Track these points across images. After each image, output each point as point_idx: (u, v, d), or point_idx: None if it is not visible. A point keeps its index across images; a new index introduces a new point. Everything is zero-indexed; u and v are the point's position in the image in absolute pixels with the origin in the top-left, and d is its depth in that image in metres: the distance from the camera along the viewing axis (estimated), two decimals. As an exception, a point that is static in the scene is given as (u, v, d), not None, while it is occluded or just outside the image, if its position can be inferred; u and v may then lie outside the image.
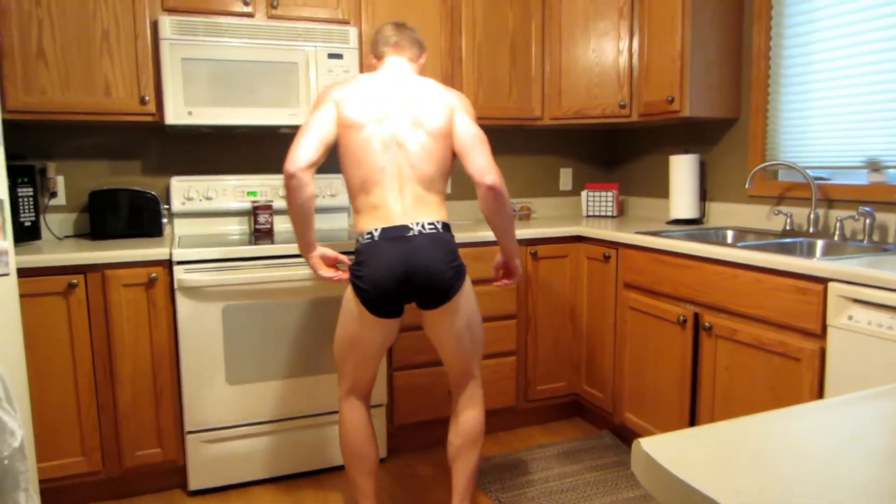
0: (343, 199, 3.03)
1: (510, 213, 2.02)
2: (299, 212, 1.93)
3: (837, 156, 2.50)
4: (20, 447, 1.45)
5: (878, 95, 2.34)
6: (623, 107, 3.01)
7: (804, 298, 1.91)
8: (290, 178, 1.88)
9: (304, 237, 1.99)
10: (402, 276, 1.90)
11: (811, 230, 2.50)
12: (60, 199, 2.73)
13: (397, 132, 1.94)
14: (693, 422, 2.38)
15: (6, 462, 1.43)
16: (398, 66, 2.05)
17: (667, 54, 2.79)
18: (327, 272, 2.04)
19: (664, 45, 2.80)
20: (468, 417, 2.09)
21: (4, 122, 2.43)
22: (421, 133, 1.95)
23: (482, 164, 1.93)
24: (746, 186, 2.70)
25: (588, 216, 3.46)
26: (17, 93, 2.34)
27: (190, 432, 2.39)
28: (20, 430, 1.44)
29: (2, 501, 1.44)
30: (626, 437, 2.86)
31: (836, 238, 2.39)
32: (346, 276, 2.04)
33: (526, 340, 2.92)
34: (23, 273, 2.17)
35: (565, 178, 3.64)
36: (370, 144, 1.93)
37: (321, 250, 2.05)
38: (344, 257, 2.09)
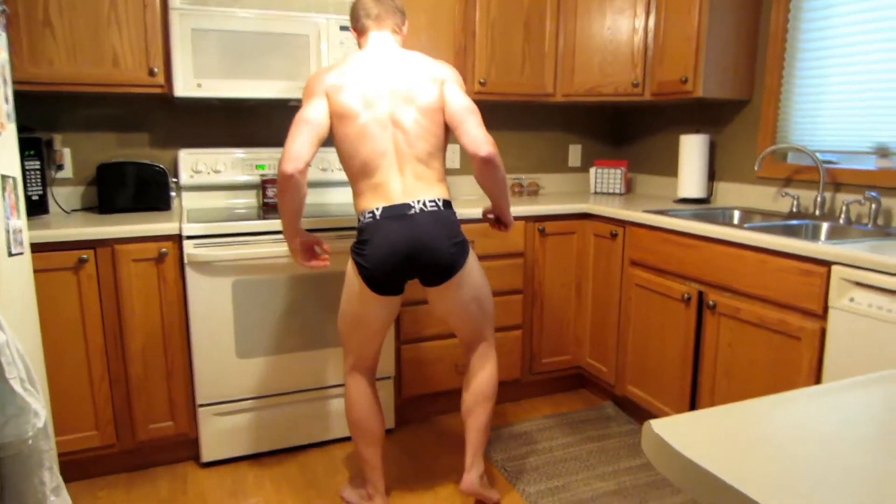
0: (333, 174, 3.02)
1: (504, 178, 2.02)
2: (292, 208, 1.93)
3: (847, 140, 2.50)
4: (44, 427, 1.48)
5: (889, 83, 2.33)
6: (636, 85, 2.99)
7: (807, 280, 1.93)
8: (289, 178, 1.85)
9: (292, 226, 2.00)
10: (404, 255, 1.92)
11: (817, 213, 2.51)
12: (67, 172, 2.73)
13: (392, 112, 1.94)
14: (694, 396, 2.42)
15: (30, 442, 1.46)
16: (383, 42, 2.04)
17: (683, 34, 2.77)
18: (306, 262, 2.06)
19: (680, 24, 2.77)
20: (480, 376, 2.15)
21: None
22: (413, 110, 1.95)
23: (476, 136, 1.91)
24: (755, 168, 2.70)
25: (596, 193, 3.47)
26: (23, 64, 2.32)
27: (201, 405, 2.43)
28: (43, 410, 1.47)
29: (27, 480, 1.47)
30: (628, 408, 2.91)
31: (841, 221, 2.41)
32: (324, 263, 2.07)
33: (532, 315, 2.95)
34: (32, 249, 2.17)
35: (574, 154, 3.64)
36: (367, 129, 1.93)
37: (302, 236, 2.05)
38: (324, 243, 2.10)
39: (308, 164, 1.88)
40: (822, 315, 1.91)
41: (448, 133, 2.05)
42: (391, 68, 1.97)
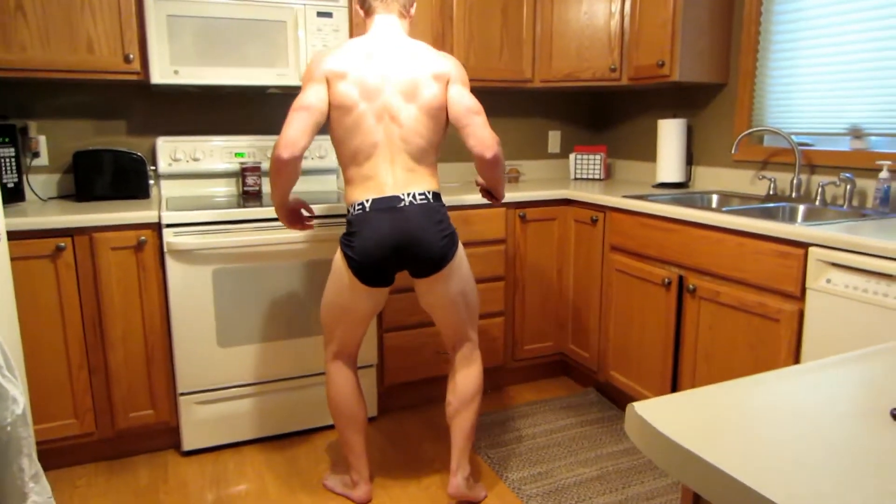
0: (330, 161, 3.02)
1: (504, 168, 2.05)
2: (285, 189, 1.95)
3: (821, 122, 2.53)
4: (22, 414, 1.47)
5: (861, 64, 2.36)
6: (613, 70, 3.01)
7: (785, 262, 1.96)
8: (284, 165, 1.84)
9: (282, 199, 2.00)
10: (393, 247, 1.91)
11: (794, 195, 2.55)
12: (43, 160, 2.69)
13: (389, 105, 1.92)
14: (675, 379, 2.45)
15: (9, 429, 1.44)
16: (388, 28, 1.99)
17: (658, 18, 2.78)
18: (292, 226, 2.10)
19: (656, 8, 2.79)
20: (465, 378, 2.13)
21: (-16, 80, 2.38)
22: (413, 107, 1.93)
23: (483, 138, 1.92)
24: (732, 151, 2.73)
25: (576, 179, 3.48)
26: (-4, 50, 2.28)
27: (182, 394, 2.42)
28: (22, 396, 1.45)
29: (6, 467, 1.46)
30: (611, 394, 2.94)
31: (817, 203, 2.44)
32: (309, 226, 2.12)
33: (514, 301, 2.96)
34: (9, 237, 2.14)
35: (554, 140, 3.65)
36: (363, 120, 1.91)
37: (288, 204, 2.06)
38: (309, 206, 2.14)
39: (304, 150, 1.86)
40: (801, 297, 1.94)
41: (445, 130, 2.03)
42: (394, 60, 1.93)
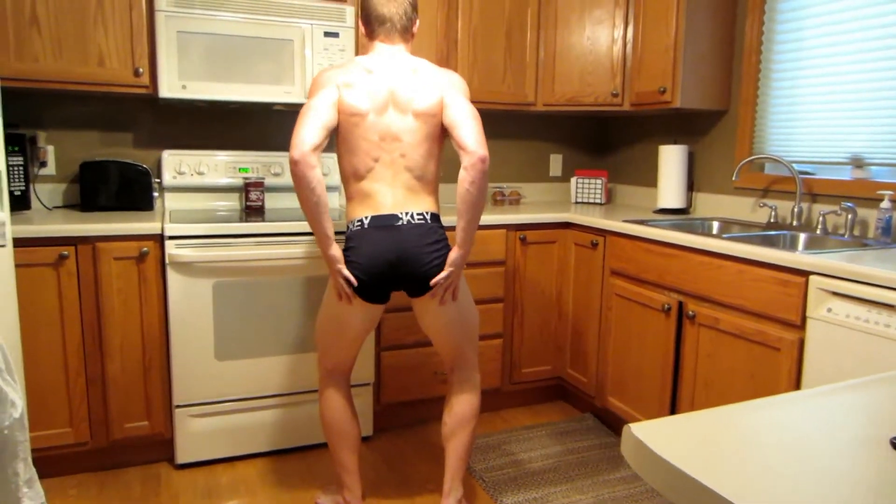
0: (334, 178, 3.03)
1: (485, 198, 1.93)
2: (311, 197, 1.81)
3: (822, 151, 2.55)
4: (20, 417, 1.47)
5: (863, 94, 2.39)
6: (615, 95, 3.03)
7: (786, 290, 1.96)
8: (295, 164, 1.78)
9: (321, 227, 1.87)
10: (389, 264, 1.92)
11: (795, 223, 2.56)
12: (50, 169, 2.71)
13: (393, 125, 1.93)
14: (674, 407, 2.44)
15: (6, 432, 1.44)
16: (392, 50, 2.01)
17: (660, 45, 2.81)
18: (337, 284, 1.96)
19: (658, 35, 2.82)
20: (461, 400, 2.12)
21: (-6, 89, 2.41)
22: (417, 126, 1.94)
23: (477, 136, 1.85)
24: (733, 178, 2.74)
25: (577, 203, 3.50)
26: (9, 60, 2.31)
27: (178, 406, 2.41)
28: (20, 400, 1.45)
29: (2, 470, 1.46)
30: (609, 420, 2.92)
31: (818, 232, 2.45)
32: (349, 295, 1.96)
33: (512, 324, 2.96)
34: (14, 243, 2.15)
35: (555, 164, 3.67)
36: (367, 135, 1.92)
37: (339, 256, 1.92)
38: (352, 279, 1.93)
39: (317, 149, 1.79)
40: (801, 325, 1.94)
41: (443, 147, 2.04)
42: (396, 79, 1.94)
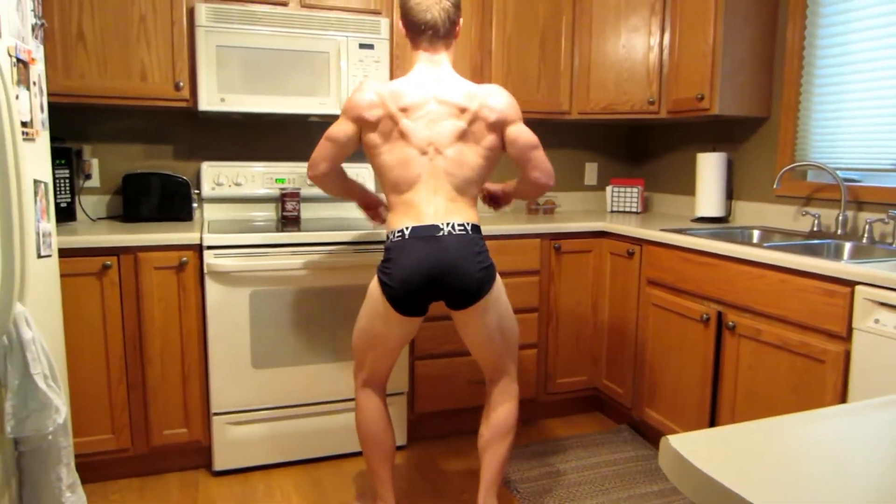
0: (368, 188, 3.05)
1: None
2: (333, 192, 2.15)
3: (868, 158, 2.48)
4: (64, 423, 1.50)
5: (912, 98, 2.31)
6: (652, 103, 3.00)
7: (830, 301, 1.90)
8: (311, 179, 2.09)
9: (345, 195, 2.21)
10: (430, 275, 1.91)
11: (839, 232, 2.49)
12: (95, 182, 2.79)
13: (434, 140, 1.94)
14: (713, 420, 2.39)
15: (50, 438, 1.48)
16: (435, 62, 2.01)
17: (698, 51, 2.77)
18: (366, 214, 2.33)
19: (696, 41, 2.78)
20: (499, 412, 2.10)
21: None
22: (459, 141, 1.95)
23: (546, 169, 2.06)
24: (774, 186, 2.68)
25: (612, 212, 3.46)
26: (57, 76, 2.39)
27: (216, 414, 2.45)
28: (64, 406, 1.49)
29: (45, 475, 1.50)
30: (645, 432, 2.87)
31: (864, 241, 2.38)
32: (380, 215, 2.30)
33: (547, 334, 2.94)
34: (59, 254, 2.21)
35: (590, 172, 3.64)
36: (407, 151, 1.94)
37: (368, 199, 2.28)
38: (381, 204, 2.29)
39: (325, 172, 2.05)
40: (847, 337, 1.88)
41: (493, 165, 2.05)
42: (439, 96, 1.95)
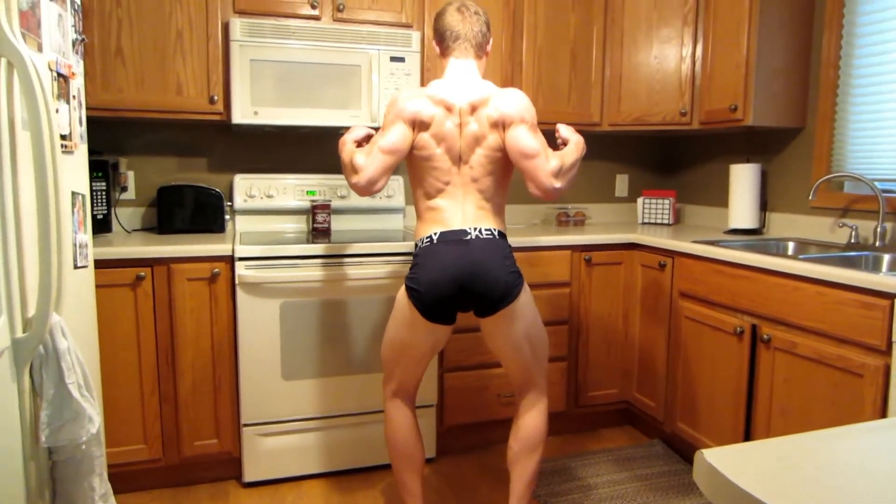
0: (398, 200, 3.08)
1: (577, 165, 2.06)
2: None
3: (909, 168, 2.41)
4: (97, 433, 1.53)
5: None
6: (684, 114, 2.97)
7: (869, 314, 1.85)
8: (355, 187, 1.98)
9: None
10: (457, 278, 1.90)
11: (877, 244, 2.42)
12: (130, 194, 2.85)
13: (462, 149, 1.96)
14: (748, 434, 2.33)
15: (83, 447, 1.51)
16: (464, 72, 2.03)
17: (731, 62, 2.74)
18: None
19: (729, 52, 2.75)
20: (528, 424, 2.09)
21: (82, 119, 2.56)
22: (481, 149, 1.96)
23: (538, 183, 1.94)
24: (810, 198, 2.63)
25: (643, 223, 3.43)
26: (96, 90, 2.45)
27: (246, 425, 2.46)
28: (98, 416, 1.52)
29: (78, 485, 1.52)
30: (677, 446, 2.82)
31: (904, 253, 2.31)
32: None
33: (577, 346, 2.91)
34: (95, 265, 2.26)
35: (621, 184, 3.61)
36: (438, 162, 1.96)
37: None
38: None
39: (374, 184, 1.97)
40: (886, 351, 1.82)
41: (510, 171, 2.04)
42: (468, 104, 1.96)
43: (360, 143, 2.14)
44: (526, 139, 1.93)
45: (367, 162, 1.94)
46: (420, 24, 2.81)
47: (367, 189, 1.96)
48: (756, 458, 0.73)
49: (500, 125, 1.96)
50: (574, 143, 2.08)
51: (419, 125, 1.95)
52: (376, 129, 2.76)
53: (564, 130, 2.14)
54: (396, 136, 1.95)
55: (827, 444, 0.77)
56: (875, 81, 2.52)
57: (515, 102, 1.96)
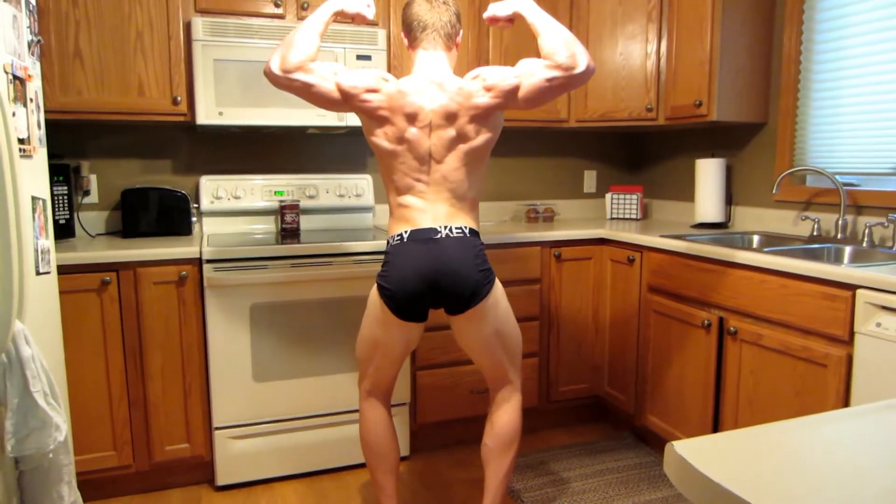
0: (368, 198, 3.06)
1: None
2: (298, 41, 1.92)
3: (867, 162, 2.48)
4: (64, 441, 1.50)
5: (909, 101, 2.32)
6: (650, 110, 3.01)
7: (832, 305, 1.90)
8: (279, 61, 1.88)
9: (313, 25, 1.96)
10: (427, 277, 1.90)
11: (839, 236, 2.48)
12: (93, 198, 2.79)
13: (432, 149, 1.94)
14: (716, 425, 2.38)
15: (51, 456, 1.48)
16: (432, 65, 1.98)
17: (695, 58, 2.78)
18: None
19: (693, 48, 2.79)
20: (503, 421, 2.09)
21: (41, 121, 2.49)
22: (455, 147, 1.94)
23: (557, 58, 1.87)
24: (773, 191, 2.68)
25: (612, 219, 3.46)
26: (54, 93, 2.39)
27: (217, 428, 2.43)
28: (65, 424, 1.49)
29: (46, 494, 1.49)
30: (648, 439, 2.86)
31: (864, 245, 2.38)
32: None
33: (548, 342, 2.93)
34: (58, 270, 2.21)
35: (589, 180, 3.64)
36: (406, 159, 1.93)
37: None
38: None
39: (298, 67, 1.87)
40: (849, 341, 1.87)
41: (484, 168, 2.03)
42: (437, 101, 1.92)
43: (341, 16, 2.03)
44: (505, 72, 1.91)
45: (315, 64, 1.88)
46: (386, 21, 2.79)
47: (284, 73, 1.87)
48: (725, 450, 0.75)
49: (478, 112, 1.92)
50: (532, 16, 1.98)
51: (381, 109, 1.91)
52: (347, 127, 2.74)
53: (499, 8, 2.04)
54: (358, 81, 1.90)
55: (793, 433, 0.79)
56: (834, 77, 2.58)
57: (476, 84, 1.93)
